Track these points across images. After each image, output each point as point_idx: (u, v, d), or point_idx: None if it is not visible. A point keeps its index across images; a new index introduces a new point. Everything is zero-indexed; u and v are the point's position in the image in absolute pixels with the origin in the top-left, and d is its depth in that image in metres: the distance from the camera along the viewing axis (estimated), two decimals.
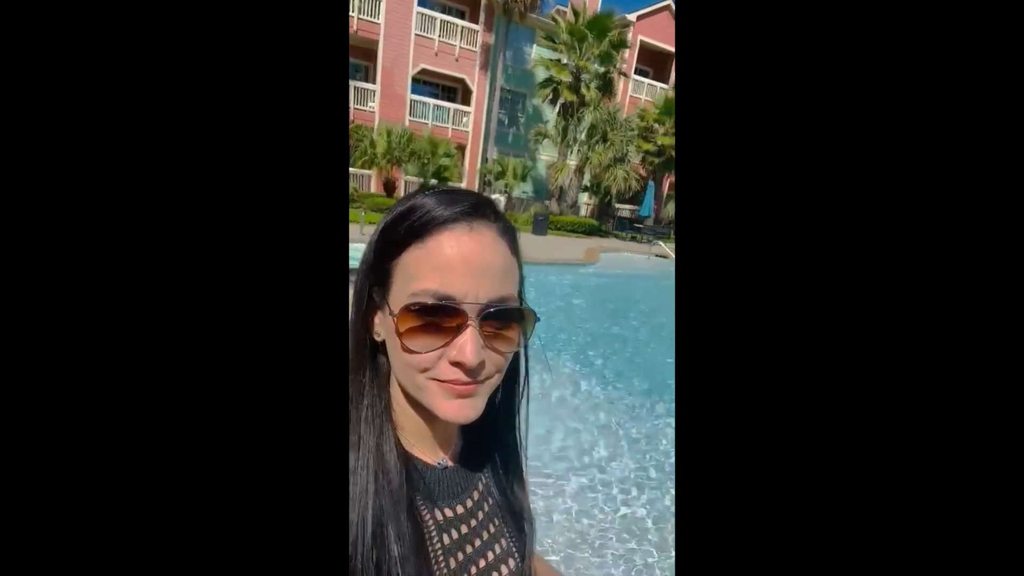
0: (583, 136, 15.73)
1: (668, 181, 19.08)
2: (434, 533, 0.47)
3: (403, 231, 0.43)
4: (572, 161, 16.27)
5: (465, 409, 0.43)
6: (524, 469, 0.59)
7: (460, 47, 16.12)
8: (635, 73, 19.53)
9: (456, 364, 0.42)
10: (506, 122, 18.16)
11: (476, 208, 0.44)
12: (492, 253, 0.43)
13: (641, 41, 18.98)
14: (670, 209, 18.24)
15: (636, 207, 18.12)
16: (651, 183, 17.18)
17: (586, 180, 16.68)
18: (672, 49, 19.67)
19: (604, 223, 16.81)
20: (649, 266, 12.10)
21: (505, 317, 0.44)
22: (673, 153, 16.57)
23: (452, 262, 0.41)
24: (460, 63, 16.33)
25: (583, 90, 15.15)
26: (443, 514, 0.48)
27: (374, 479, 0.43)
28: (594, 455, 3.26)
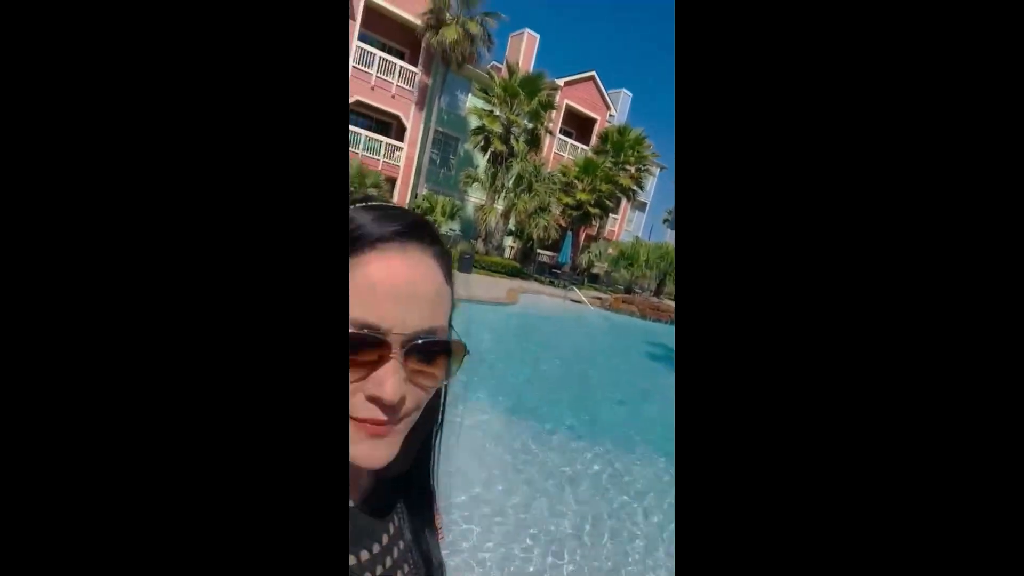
0: (511, 184, 16.67)
1: (584, 233, 20.60)
2: None
3: None
4: (499, 206, 17.08)
5: (377, 451, 0.39)
6: (436, 510, 0.55)
7: (397, 85, 16.55)
8: (560, 132, 21.28)
9: (373, 400, 0.37)
10: (438, 162, 18.66)
11: (411, 228, 0.40)
12: (424, 279, 0.39)
13: (567, 105, 20.83)
14: (584, 259, 19.63)
15: (555, 254, 19.28)
16: (569, 233, 18.51)
17: (511, 225, 17.55)
18: (593, 115, 21.83)
19: (525, 267, 17.63)
20: (564, 309, 12.87)
21: (432, 350, 0.40)
22: (590, 208, 18.09)
23: (379, 287, 0.37)
24: (396, 100, 16.71)
25: (512, 142, 16.22)
26: (353, 557, 0.44)
27: None
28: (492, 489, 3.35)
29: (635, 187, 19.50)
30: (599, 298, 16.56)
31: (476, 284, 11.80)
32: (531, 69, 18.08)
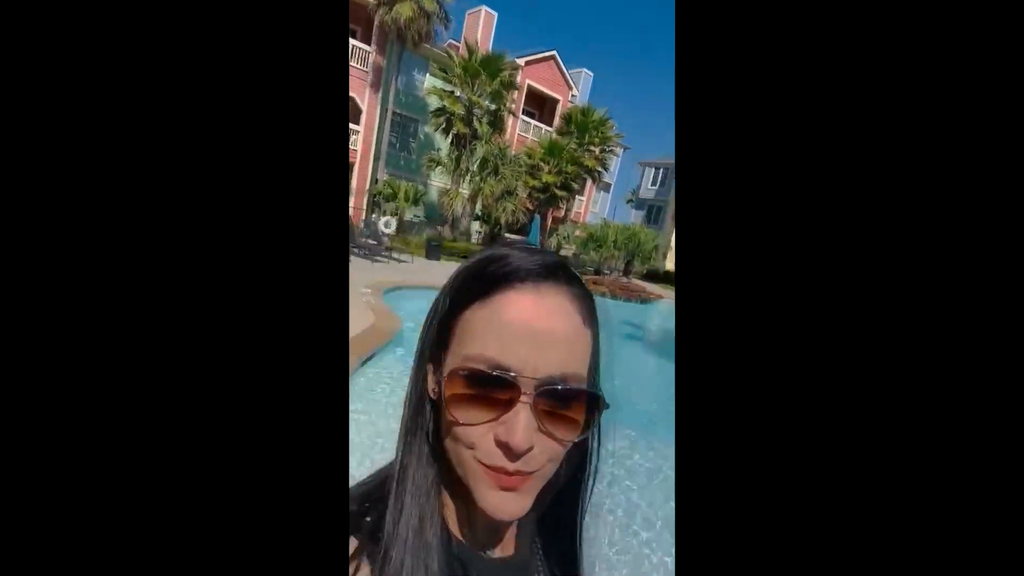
0: (476, 167, 16.23)
1: (551, 216, 20.47)
2: None
3: (469, 285, 0.39)
4: (464, 190, 16.63)
5: (508, 504, 0.38)
6: (580, 569, 0.52)
7: (351, 65, 15.68)
8: (522, 113, 20.88)
9: (502, 445, 0.37)
10: (397, 145, 17.94)
11: (546, 268, 0.39)
12: (559, 322, 0.38)
13: (528, 85, 20.43)
14: (552, 242, 19.53)
15: (523, 238, 19.07)
16: (536, 216, 18.30)
17: (477, 209, 17.14)
18: (555, 95, 21.55)
19: None
20: None
21: (566, 397, 0.38)
22: (556, 191, 17.94)
23: (512, 327, 0.37)
24: (350, 81, 15.84)
25: (475, 123, 15.73)
26: None
27: (411, 561, 0.38)
28: None
29: (600, 168, 19.49)
30: None
31: (447, 271, 11.43)
32: (490, 48, 17.57)
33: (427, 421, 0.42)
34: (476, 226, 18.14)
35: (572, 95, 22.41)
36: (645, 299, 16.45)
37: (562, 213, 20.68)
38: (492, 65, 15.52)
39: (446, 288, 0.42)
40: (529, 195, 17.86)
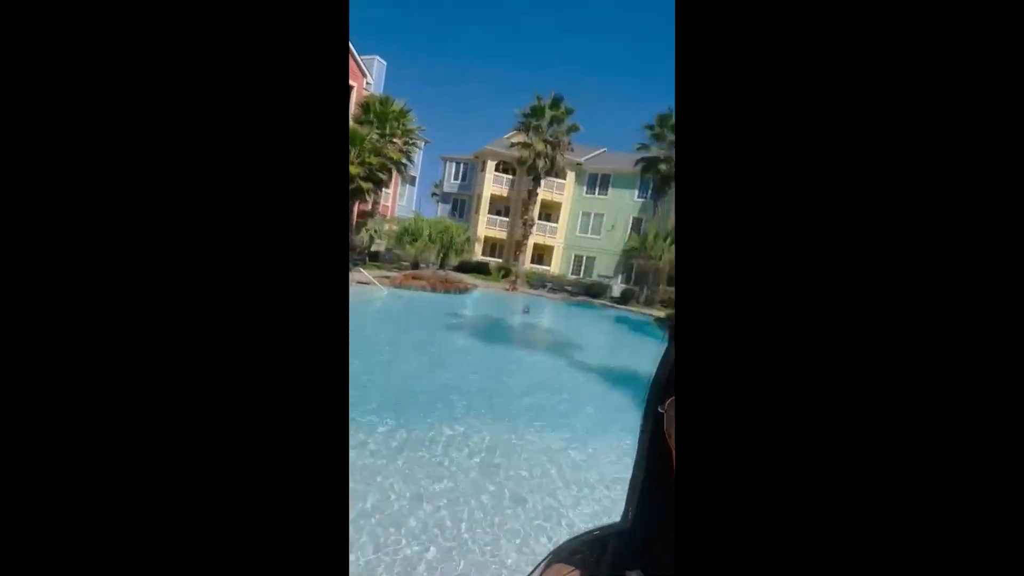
0: None
1: (358, 208, 19.24)
2: None
3: None
4: None
5: None
6: None
7: None
8: None
9: None
10: None
11: None
12: None
13: None
14: (363, 236, 18.42)
15: None
16: None
17: None
18: (350, 82, 20.15)
19: None
20: (353, 292, 11.86)
21: None
22: (361, 183, 16.89)
23: None
24: None
25: None
26: None
27: None
28: None
29: (405, 160, 19.12)
30: (386, 276, 15.93)
31: None
32: None
33: (654, 469, 0.40)
34: None
35: (367, 82, 21.34)
36: (463, 290, 16.97)
37: (369, 206, 19.63)
38: None
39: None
40: None
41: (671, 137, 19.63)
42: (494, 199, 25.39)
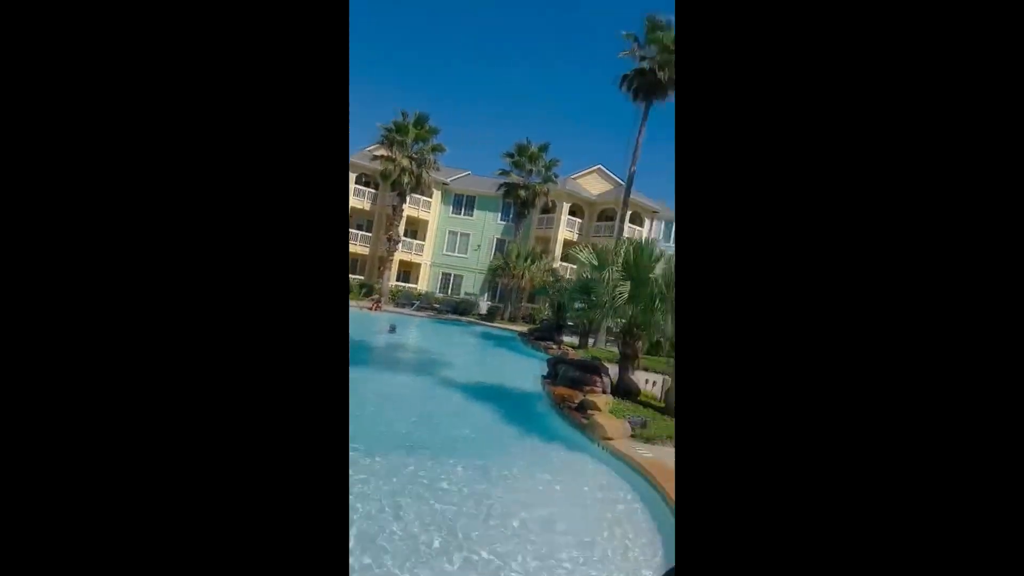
0: None
1: None
2: None
3: None
4: None
5: None
6: None
7: None
8: None
9: None
10: None
11: None
12: None
13: None
14: None
15: None
16: None
17: None
18: None
19: None
20: None
21: None
22: None
23: None
24: None
25: None
26: None
27: None
28: None
29: None
30: None
31: None
32: None
33: None
34: None
35: None
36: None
37: None
38: None
39: None
40: None
41: (529, 166, 20.96)
42: (354, 212, 24.07)
